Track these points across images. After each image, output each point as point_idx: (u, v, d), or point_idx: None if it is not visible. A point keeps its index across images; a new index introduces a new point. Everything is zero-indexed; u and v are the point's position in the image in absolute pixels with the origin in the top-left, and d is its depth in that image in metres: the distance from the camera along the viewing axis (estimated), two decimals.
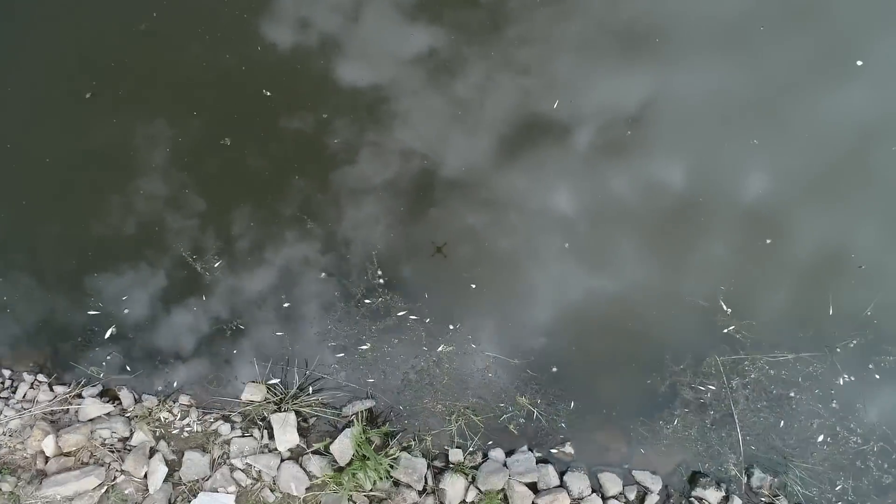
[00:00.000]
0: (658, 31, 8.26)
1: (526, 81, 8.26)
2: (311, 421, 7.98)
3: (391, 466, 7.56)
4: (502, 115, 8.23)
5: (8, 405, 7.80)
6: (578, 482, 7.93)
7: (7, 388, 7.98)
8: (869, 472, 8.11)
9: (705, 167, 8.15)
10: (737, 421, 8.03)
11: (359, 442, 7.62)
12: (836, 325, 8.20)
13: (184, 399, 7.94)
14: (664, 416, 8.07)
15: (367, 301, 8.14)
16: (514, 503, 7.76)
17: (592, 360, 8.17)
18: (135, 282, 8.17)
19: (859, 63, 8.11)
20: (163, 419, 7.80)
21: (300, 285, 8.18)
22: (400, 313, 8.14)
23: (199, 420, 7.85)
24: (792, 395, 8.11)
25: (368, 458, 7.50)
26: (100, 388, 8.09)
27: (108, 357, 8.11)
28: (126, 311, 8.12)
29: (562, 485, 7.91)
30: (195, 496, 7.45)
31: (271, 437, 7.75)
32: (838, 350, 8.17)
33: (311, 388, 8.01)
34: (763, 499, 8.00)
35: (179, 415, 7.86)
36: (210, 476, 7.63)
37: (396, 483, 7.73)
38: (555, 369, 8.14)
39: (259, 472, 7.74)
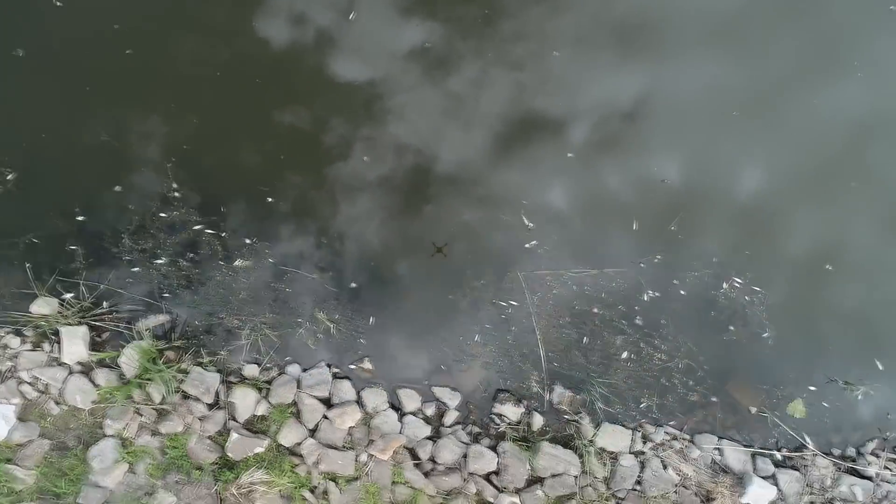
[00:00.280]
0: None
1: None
2: (105, 335, 7.83)
3: (180, 380, 7.45)
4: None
5: None
6: (375, 397, 7.83)
7: None
8: (674, 390, 8.04)
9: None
10: (539, 337, 7.91)
11: (148, 355, 7.49)
12: (640, 240, 8.07)
13: None
14: (465, 332, 7.95)
15: (162, 215, 7.96)
16: (305, 416, 7.65)
17: (392, 276, 8.03)
18: None
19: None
20: None
21: (94, 197, 7.99)
22: (196, 227, 7.97)
23: None
24: (595, 311, 8.01)
25: (158, 371, 7.38)
26: None
27: None
28: None
29: (358, 400, 7.80)
30: None
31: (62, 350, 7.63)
32: (642, 266, 8.07)
33: (105, 303, 7.85)
34: (566, 416, 7.90)
35: None
36: None
37: (186, 396, 7.61)
38: (354, 285, 8.02)
39: (46, 384, 7.60)
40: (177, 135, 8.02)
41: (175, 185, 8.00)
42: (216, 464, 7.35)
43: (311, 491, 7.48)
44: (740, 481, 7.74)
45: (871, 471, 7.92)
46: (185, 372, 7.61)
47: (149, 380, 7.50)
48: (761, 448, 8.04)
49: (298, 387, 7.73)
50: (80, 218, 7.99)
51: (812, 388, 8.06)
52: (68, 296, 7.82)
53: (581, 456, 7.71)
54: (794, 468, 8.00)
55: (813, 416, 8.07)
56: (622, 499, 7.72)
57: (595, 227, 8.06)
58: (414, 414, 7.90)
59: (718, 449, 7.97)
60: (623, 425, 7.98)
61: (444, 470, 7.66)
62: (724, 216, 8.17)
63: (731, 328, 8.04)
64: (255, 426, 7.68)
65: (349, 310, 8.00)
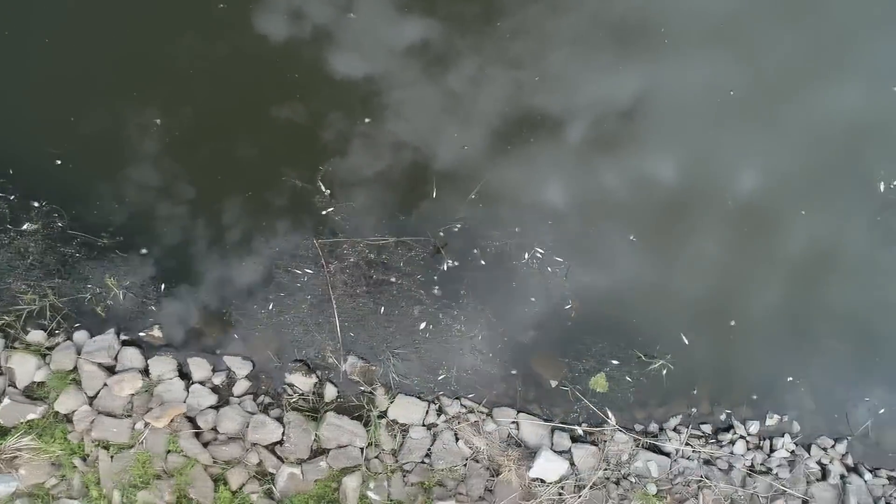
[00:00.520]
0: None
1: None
2: None
3: None
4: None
5: None
6: (162, 365, 7.68)
7: None
8: (472, 361, 7.84)
9: None
10: (335, 306, 7.73)
11: None
12: (439, 208, 7.86)
13: None
14: (259, 300, 7.79)
15: None
16: (85, 383, 7.50)
17: (186, 242, 7.84)
18: None
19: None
20: None
21: None
22: None
23: None
24: (393, 280, 7.81)
25: None
26: None
27: None
28: None
29: (146, 368, 7.63)
30: None
31: None
32: (441, 234, 7.86)
33: None
34: (361, 387, 7.72)
35: None
36: None
37: None
38: (145, 251, 7.83)
39: None
40: None
41: None
42: None
43: (84, 459, 7.31)
44: (532, 455, 7.55)
45: (671, 447, 7.73)
46: None
47: None
48: (562, 423, 7.85)
49: (79, 353, 7.54)
50: None
51: (615, 361, 7.87)
52: None
53: (369, 427, 7.51)
54: (593, 443, 7.81)
55: (616, 390, 7.89)
56: (409, 471, 7.55)
57: (393, 194, 7.85)
58: (202, 383, 7.73)
59: (516, 423, 7.77)
60: (419, 397, 7.79)
61: (225, 440, 7.49)
62: (528, 183, 7.92)
63: (533, 299, 7.84)
64: (34, 393, 7.51)
65: (140, 276, 7.81)
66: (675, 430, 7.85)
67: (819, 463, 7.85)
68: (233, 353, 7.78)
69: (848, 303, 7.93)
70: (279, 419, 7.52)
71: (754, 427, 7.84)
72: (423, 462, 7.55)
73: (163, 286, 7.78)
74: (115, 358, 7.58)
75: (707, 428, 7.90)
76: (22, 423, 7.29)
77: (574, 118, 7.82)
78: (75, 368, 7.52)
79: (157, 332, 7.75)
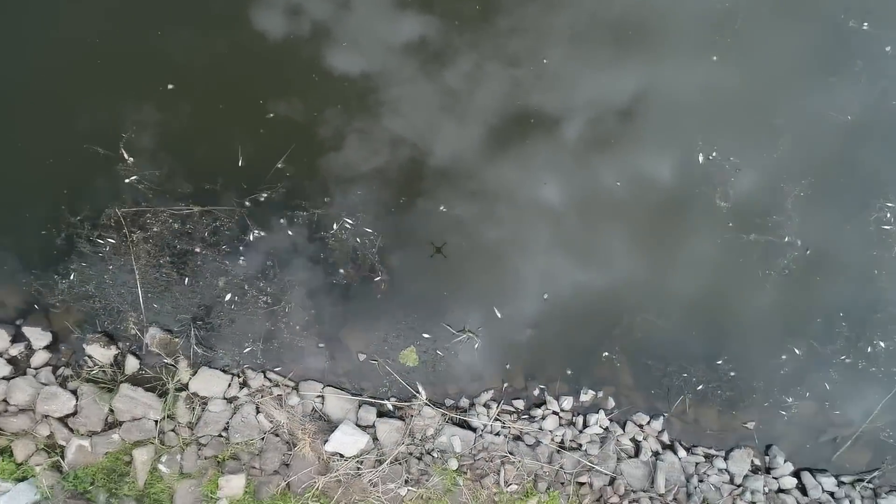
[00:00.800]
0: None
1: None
2: None
3: None
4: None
5: None
6: None
7: None
8: (280, 334, 7.67)
9: None
10: (138, 277, 7.54)
11: None
12: (246, 177, 7.67)
13: None
14: (60, 270, 7.59)
15: None
16: None
17: None
18: None
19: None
20: None
21: None
22: None
23: None
24: (198, 250, 7.63)
25: None
26: None
27: None
28: None
29: None
30: None
31: None
32: (248, 204, 7.66)
33: None
34: (163, 360, 7.55)
35: None
36: None
37: None
38: None
39: None
40: None
41: None
42: None
43: None
44: (333, 429, 7.38)
45: (479, 422, 7.56)
46: None
47: None
48: (371, 397, 7.67)
49: None
50: None
51: (426, 335, 7.69)
52: None
53: (166, 400, 7.33)
54: (401, 418, 7.63)
55: (428, 364, 7.69)
56: (204, 445, 7.37)
57: (199, 163, 7.64)
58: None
59: (322, 397, 7.60)
60: (224, 370, 7.61)
61: (15, 411, 7.31)
62: (334, 150, 7.74)
63: (342, 271, 7.67)
64: None
65: None
66: (485, 405, 7.67)
67: (633, 440, 7.67)
68: (33, 324, 7.55)
69: (666, 278, 7.75)
70: (75, 391, 7.33)
71: (567, 403, 7.68)
72: (220, 436, 7.37)
73: None
74: None
75: (520, 403, 7.73)
76: None
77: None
78: None
79: None
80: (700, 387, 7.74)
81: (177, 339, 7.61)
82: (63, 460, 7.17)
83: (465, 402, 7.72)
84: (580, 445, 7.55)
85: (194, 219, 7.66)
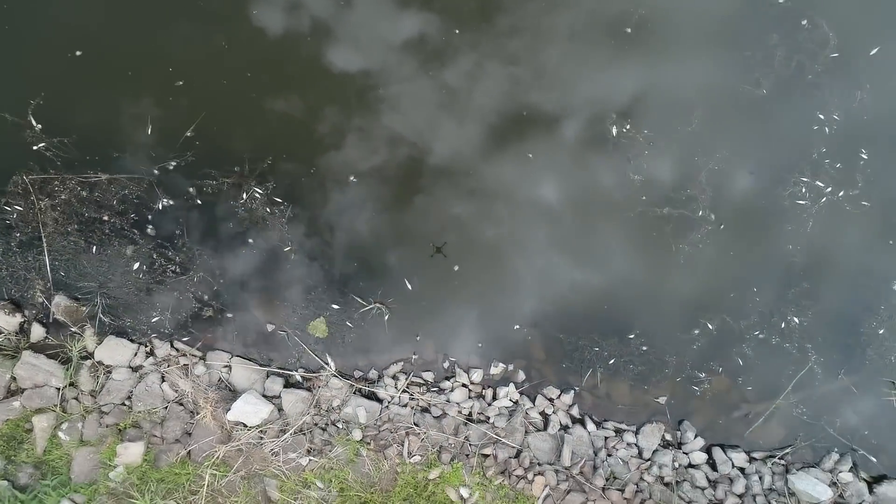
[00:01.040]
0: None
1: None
2: None
3: None
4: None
5: None
6: None
7: None
8: (188, 304, 7.64)
9: None
10: (45, 245, 7.48)
11: None
12: (154, 145, 7.62)
13: None
14: None
15: None
16: None
17: None
18: None
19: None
20: None
21: None
22: None
23: None
24: (106, 218, 7.58)
25: None
26: None
27: None
28: None
29: None
30: None
31: None
32: (156, 172, 7.61)
33: None
34: (71, 328, 7.50)
35: None
36: None
37: None
38: None
39: None
40: None
41: None
42: None
43: None
44: (237, 398, 7.33)
45: (386, 394, 7.51)
46: None
47: None
48: (280, 368, 7.61)
49: None
50: None
51: (335, 306, 7.64)
52: None
53: (69, 367, 7.28)
54: (309, 389, 7.58)
55: (337, 335, 7.64)
56: (106, 413, 7.31)
57: (107, 130, 7.60)
58: None
59: (229, 367, 7.54)
60: (131, 339, 7.55)
61: None
62: (248, 119, 7.69)
63: (251, 241, 7.61)
64: None
65: None
66: (394, 377, 7.61)
67: (542, 413, 7.61)
68: None
69: (577, 251, 7.71)
70: None
71: (477, 375, 7.62)
72: (123, 404, 7.32)
73: None
74: None
75: (429, 376, 7.67)
76: None
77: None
78: None
79: None
80: (612, 361, 7.68)
81: (83, 308, 7.56)
82: None
83: (374, 374, 7.66)
84: (488, 418, 7.49)
85: (102, 187, 7.61)
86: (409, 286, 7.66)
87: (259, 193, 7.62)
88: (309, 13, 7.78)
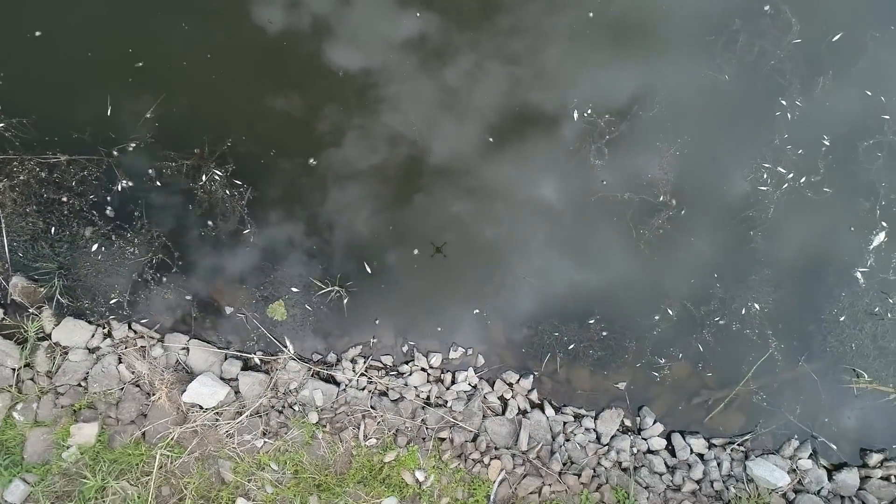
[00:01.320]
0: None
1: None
2: None
3: None
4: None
5: None
6: None
7: None
8: (146, 286, 7.62)
9: None
10: (3, 225, 7.47)
11: None
12: (114, 126, 7.61)
13: None
14: None
15: None
16: None
17: None
18: None
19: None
20: None
21: None
22: None
23: None
24: (65, 199, 7.56)
25: None
26: None
27: None
28: None
29: None
30: None
31: None
32: (116, 154, 7.59)
33: None
34: (28, 309, 7.47)
35: None
36: None
37: None
38: None
39: None
40: None
41: None
42: None
43: None
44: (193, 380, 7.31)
45: (344, 377, 7.49)
46: None
47: None
48: (239, 350, 7.60)
49: None
50: None
51: (295, 289, 7.62)
52: None
53: (25, 348, 7.26)
54: (267, 372, 7.56)
55: (296, 319, 7.62)
56: (62, 394, 7.29)
57: (68, 111, 7.58)
58: None
59: (186, 349, 7.52)
60: (89, 321, 7.52)
61: None
62: (208, 101, 7.67)
63: (210, 223, 7.59)
64: None
65: None
66: (352, 360, 7.59)
67: (501, 398, 7.59)
68: None
69: (538, 236, 7.70)
70: None
71: (436, 360, 7.60)
72: (79, 385, 7.30)
73: None
74: None
75: (388, 359, 7.64)
76: None
77: None
78: None
79: None
80: (572, 346, 7.65)
81: (41, 289, 7.54)
82: None
83: (332, 358, 7.64)
84: (446, 402, 7.48)
85: (62, 168, 7.59)
86: (369, 269, 7.64)
87: (219, 175, 7.60)
88: None
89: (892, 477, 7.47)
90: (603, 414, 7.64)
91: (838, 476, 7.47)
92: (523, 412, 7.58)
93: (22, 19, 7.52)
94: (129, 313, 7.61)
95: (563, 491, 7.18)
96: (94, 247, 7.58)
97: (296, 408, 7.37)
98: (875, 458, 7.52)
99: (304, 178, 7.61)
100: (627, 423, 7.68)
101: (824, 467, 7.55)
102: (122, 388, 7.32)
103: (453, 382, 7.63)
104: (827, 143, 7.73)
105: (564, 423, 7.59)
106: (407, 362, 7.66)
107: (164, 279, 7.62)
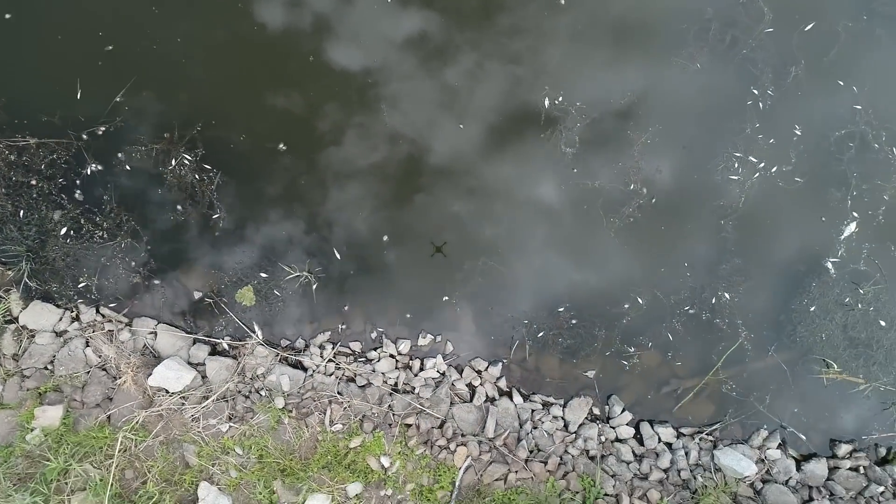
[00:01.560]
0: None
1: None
2: None
3: None
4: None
5: None
6: None
7: None
8: (115, 270, 7.63)
9: None
10: None
11: None
12: (84, 110, 7.59)
13: None
14: None
15: None
16: None
17: None
18: None
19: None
20: None
21: None
22: None
23: None
24: (34, 182, 7.56)
25: None
26: None
27: None
28: None
29: None
30: None
31: None
32: (85, 137, 7.58)
33: None
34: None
35: None
36: None
37: None
38: None
39: None
40: None
41: None
42: None
43: None
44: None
45: (311, 363, 7.47)
46: None
47: None
48: (206, 335, 7.58)
49: None
50: None
51: (264, 274, 7.61)
52: None
53: None
54: (235, 357, 7.54)
55: (265, 304, 7.61)
56: (28, 377, 7.28)
57: (37, 94, 7.56)
58: None
59: (154, 333, 7.51)
60: (57, 304, 7.51)
61: None
62: (177, 85, 7.66)
63: (179, 207, 7.57)
64: None
65: None
66: (320, 346, 7.58)
67: (469, 385, 7.58)
68: None
69: (507, 224, 7.67)
70: None
71: (405, 346, 7.58)
72: (45, 368, 7.28)
73: None
74: None
75: (357, 346, 7.63)
76: None
77: None
78: None
79: None
80: (541, 334, 7.64)
81: (9, 272, 7.53)
82: None
83: (300, 343, 7.62)
84: (413, 388, 7.46)
85: (30, 151, 7.58)
86: (338, 255, 7.62)
87: (188, 160, 7.59)
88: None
89: (861, 468, 7.43)
90: (571, 402, 7.62)
91: (807, 466, 7.45)
92: (491, 399, 7.56)
93: None
94: (98, 297, 7.60)
95: (528, 478, 7.15)
96: (63, 230, 7.57)
97: (262, 393, 7.35)
98: (844, 449, 7.49)
99: (274, 164, 7.59)
100: (596, 411, 7.65)
101: (793, 457, 7.52)
102: (88, 372, 7.31)
103: (421, 369, 7.61)
104: (798, 132, 7.71)
105: (532, 411, 7.57)
106: (375, 349, 7.64)
107: (133, 263, 7.61)
